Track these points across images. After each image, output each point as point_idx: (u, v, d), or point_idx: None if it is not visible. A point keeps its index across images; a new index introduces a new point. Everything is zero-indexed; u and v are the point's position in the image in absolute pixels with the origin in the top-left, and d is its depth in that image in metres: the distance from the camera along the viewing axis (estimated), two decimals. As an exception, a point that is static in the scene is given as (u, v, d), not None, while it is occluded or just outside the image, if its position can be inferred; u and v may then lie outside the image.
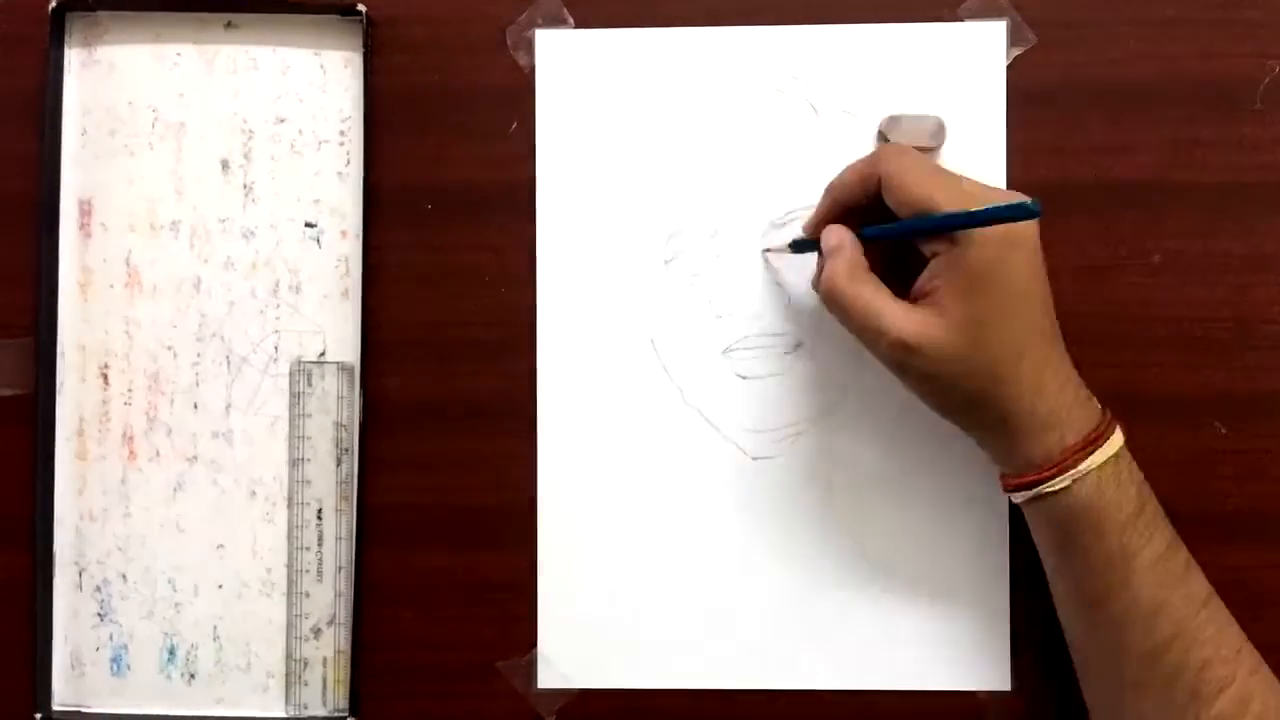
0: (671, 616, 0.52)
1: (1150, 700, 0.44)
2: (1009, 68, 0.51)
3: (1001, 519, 0.51)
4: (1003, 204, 0.41)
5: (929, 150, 0.51)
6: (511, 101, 0.52)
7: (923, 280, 0.45)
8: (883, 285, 0.46)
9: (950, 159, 0.51)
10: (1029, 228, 0.44)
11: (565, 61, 0.52)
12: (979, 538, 0.51)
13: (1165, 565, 0.44)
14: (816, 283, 0.48)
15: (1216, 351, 0.51)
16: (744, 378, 0.52)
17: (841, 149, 0.51)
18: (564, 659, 0.52)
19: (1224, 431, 0.51)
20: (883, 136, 0.51)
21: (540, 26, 0.52)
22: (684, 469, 0.52)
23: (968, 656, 0.51)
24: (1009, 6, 0.51)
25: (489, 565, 0.52)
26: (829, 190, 0.48)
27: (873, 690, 0.51)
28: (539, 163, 0.52)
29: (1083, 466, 0.44)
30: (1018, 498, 0.46)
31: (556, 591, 0.52)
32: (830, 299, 0.46)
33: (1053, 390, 0.44)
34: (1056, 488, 0.44)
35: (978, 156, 0.51)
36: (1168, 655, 0.43)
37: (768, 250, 0.51)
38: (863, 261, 0.46)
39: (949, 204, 0.44)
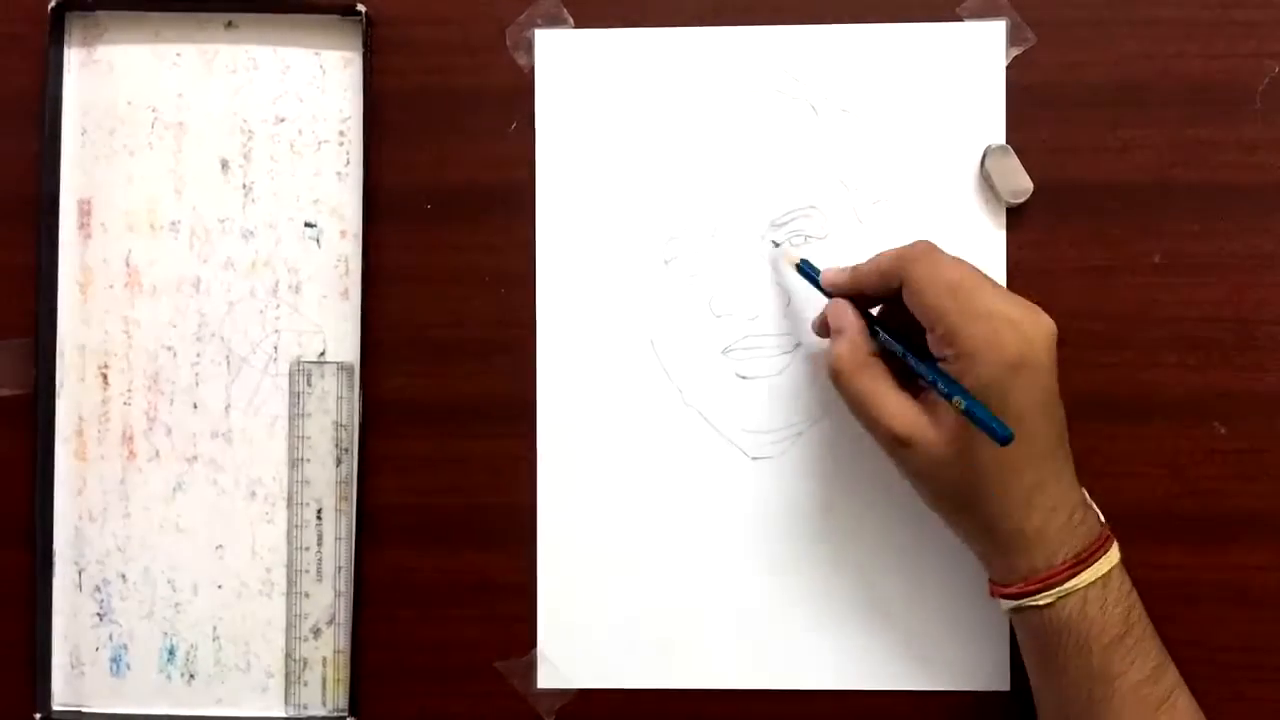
0: (671, 616, 0.52)
1: None
2: (1009, 67, 0.51)
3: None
4: (982, 417, 0.41)
5: (1009, 204, 0.50)
6: (511, 101, 0.52)
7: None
8: (885, 373, 0.46)
9: (950, 159, 0.51)
10: (1040, 353, 0.43)
11: (565, 61, 0.52)
12: (979, 538, 0.51)
13: (1146, 690, 0.44)
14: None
15: (1216, 351, 0.51)
16: (744, 378, 0.52)
17: (841, 148, 0.51)
18: (563, 659, 0.52)
19: (1223, 431, 0.51)
20: (981, 162, 0.50)
21: (540, 26, 0.52)
22: (684, 469, 0.52)
23: (967, 657, 0.51)
24: (1008, 6, 0.51)
25: (489, 565, 0.52)
26: (854, 272, 0.47)
27: (872, 690, 0.51)
28: (538, 163, 0.52)
29: (1068, 585, 0.43)
30: (1002, 606, 0.46)
31: (556, 592, 0.52)
32: (834, 381, 0.46)
33: (1043, 510, 0.44)
34: (1040, 603, 0.44)
35: (976, 156, 0.51)
36: None
37: (776, 245, 0.51)
38: (866, 345, 0.46)
39: (959, 325, 0.43)
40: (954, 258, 0.45)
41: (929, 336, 0.44)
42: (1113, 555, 0.44)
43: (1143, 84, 0.51)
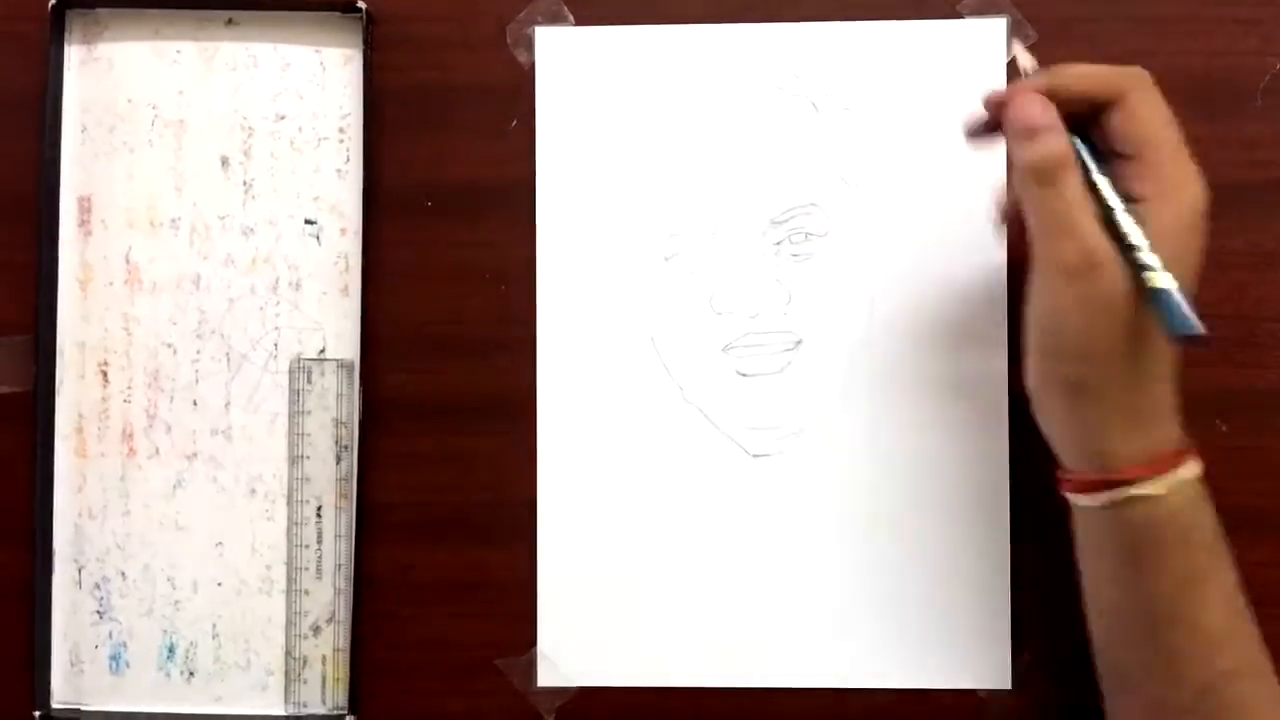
0: (671, 615, 0.52)
1: None
2: (1009, 64, 0.51)
3: (1002, 516, 0.51)
4: (1174, 310, 0.39)
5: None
6: (511, 99, 0.52)
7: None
8: (1083, 181, 0.41)
9: (950, 157, 0.51)
10: (1206, 215, 0.41)
11: (565, 59, 0.52)
12: (980, 535, 0.51)
13: (1237, 595, 0.42)
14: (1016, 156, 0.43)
15: (1217, 349, 0.51)
16: (744, 375, 0.52)
17: (842, 146, 0.51)
18: (564, 657, 0.52)
19: (1225, 429, 0.51)
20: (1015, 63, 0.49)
21: (540, 24, 0.52)
22: (684, 467, 0.52)
23: (968, 655, 0.51)
24: (1009, 3, 0.51)
25: (489, 563, 0.52)
26: (1054, 73, 0.43)
27: (873, 689, 0.51)
28: (539, 160, 0.52)
29: (1178, 475, 0.41)
30: (1089, 500, 0.42)
31: (556, 589, 0.52)
32: (1041, 176, 0.41)
33: (1166, 386, 0.42)
34: (1146, 492, 0.41)
35: (977, 153, 0.51)
36: (1228, 690, 0.41)
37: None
38: (1073, 154, 0.41)
39: (1171, 159, 0.41)
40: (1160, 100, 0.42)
41: (1126, 168, 0.41)
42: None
43: (1143, 81, 0.51)
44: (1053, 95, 0.42)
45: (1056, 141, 0.41)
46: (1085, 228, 0.40)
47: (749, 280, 0.52)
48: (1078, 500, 0.43)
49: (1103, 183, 0.41)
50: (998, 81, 0.51)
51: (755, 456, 0.52)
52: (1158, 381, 0.42)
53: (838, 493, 0.51)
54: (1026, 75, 0.46)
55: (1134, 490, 0.41)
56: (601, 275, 0.52)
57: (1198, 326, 0.38)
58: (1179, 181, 0.41)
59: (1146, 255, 0.39)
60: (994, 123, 0.44)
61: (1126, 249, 0.40)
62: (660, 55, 0.52)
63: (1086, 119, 0.42)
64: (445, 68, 0.52)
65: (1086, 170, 0.41)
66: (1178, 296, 0.39)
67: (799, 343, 0.52)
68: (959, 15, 0.51)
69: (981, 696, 0.51)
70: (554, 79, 0.52)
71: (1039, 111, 0.42)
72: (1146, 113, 0.41)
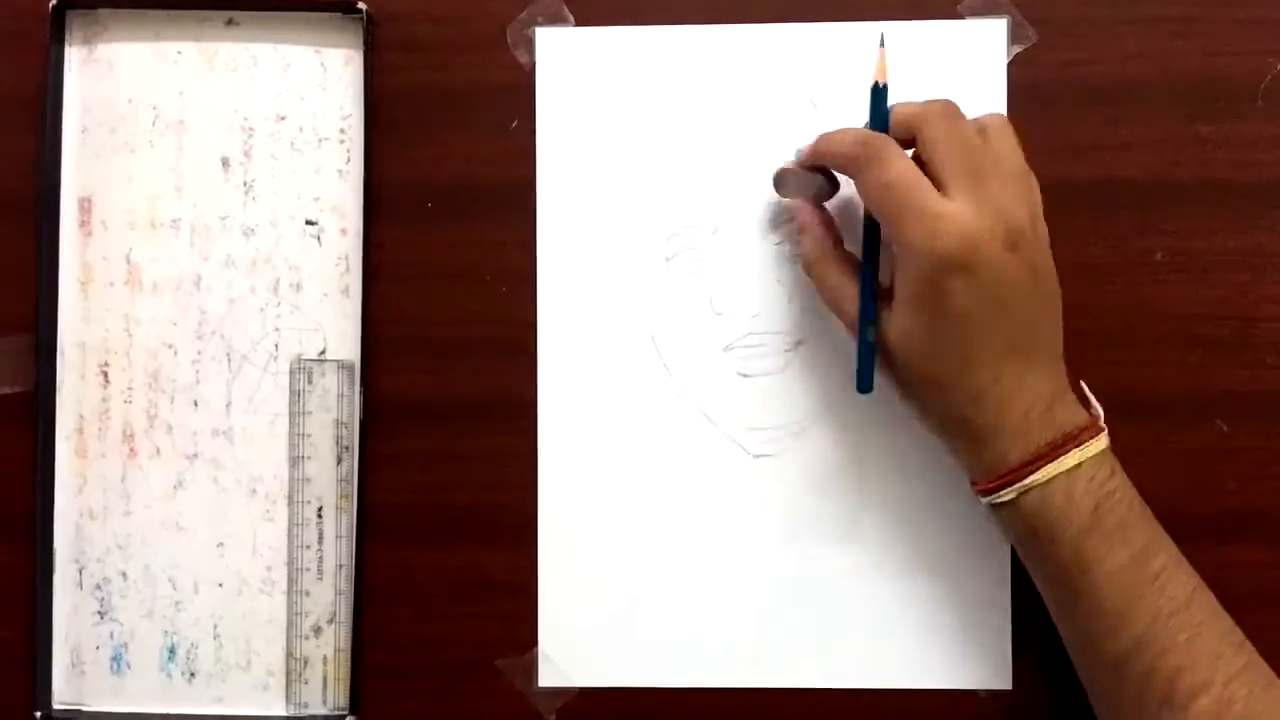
0: (672, 615, 0.52)
1: (1125, 707, 0.44)
2: (1009, 65, 0.51)
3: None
4: (861, 363, 0.47)
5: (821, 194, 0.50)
6: (512, 99, 0.52)
7: (884, 270, 0.47)
8: (851, 264, 0.47)
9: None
10: (974, 252, 0.43)
11: (566, 59, 0.52)
12: (980, 536, 0.51)
13: (1130, 574, 0.43)
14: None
15: (1218, 350, 0.51)
16: (745, 375, 0.52)
17: (842, 147, 0.51)
18: (565, 657, 0.52)
19: (1226, 430, 0.51)
20: (780, 194, 0.51)
21: (540, 24, 0.52)
22: (684, 467, 0.52)
23: (969, 655, 0.51)
24: (1009, 4, 0.51)
25: (489, 563, 0.52)
26: (821, 138, 0.48)
27: (873, 689, 0.51)
28: (539, 160, 0.52)
29: (1026, 481, 0.44)
30: (981, 503, 0.46)
31: (557, 590, 0.52)
32: (807, 269, 0.49)
33: (996, 405, 0.44)
34: (1003, 499, 0.44)
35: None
36: (1135, 661, 0.43)
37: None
38: (833, 238, 0.48)
39: (898, 221, 0.44)
40: (954, 129, 0.45)
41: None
42: (1089, 448, 0.44)
43: (1144, 82, 0.51)
44: (820, 158, 0.48)
45: (808, 243, 0.48)
46: (849, 303, 0.47)
47: (749, 280, 0.52)
48: (985, 501, 0.46)
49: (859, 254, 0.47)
50: (997, 82, 0.51)
51: (756, 457, 0.52)
52: (970, 404, 0.44)
53: (838, 493, 0.51)
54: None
55: (990, 498, 0.45)
56: (602, 275, 0.52)
57: (864, 381, 0.47)
58: (919, 238, 0.43)
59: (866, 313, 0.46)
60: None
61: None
62: (661, 55, 0.52)
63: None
64: (446, 68, 0.52)
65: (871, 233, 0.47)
66: (865, 354, 0.46)
67: (799, 343, 0.52)
68: (959, 16, 0.51)
69: (982, 696, 0.51)
70: (554, 79, 0.52)
71: (803, 214, 0.49)
72: (943, 139, 0.45)
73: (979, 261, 0.43)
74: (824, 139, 0.48)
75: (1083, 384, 0.47)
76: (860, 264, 0.47)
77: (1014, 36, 0.51)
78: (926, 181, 0.44)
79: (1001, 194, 0.44)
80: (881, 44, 0.47)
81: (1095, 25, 0.51)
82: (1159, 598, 0.43)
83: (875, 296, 0.46)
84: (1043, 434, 0.44)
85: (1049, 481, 0.44)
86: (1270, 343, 0.51)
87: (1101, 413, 0.46)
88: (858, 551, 0.51)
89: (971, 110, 0.51)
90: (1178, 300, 0.51)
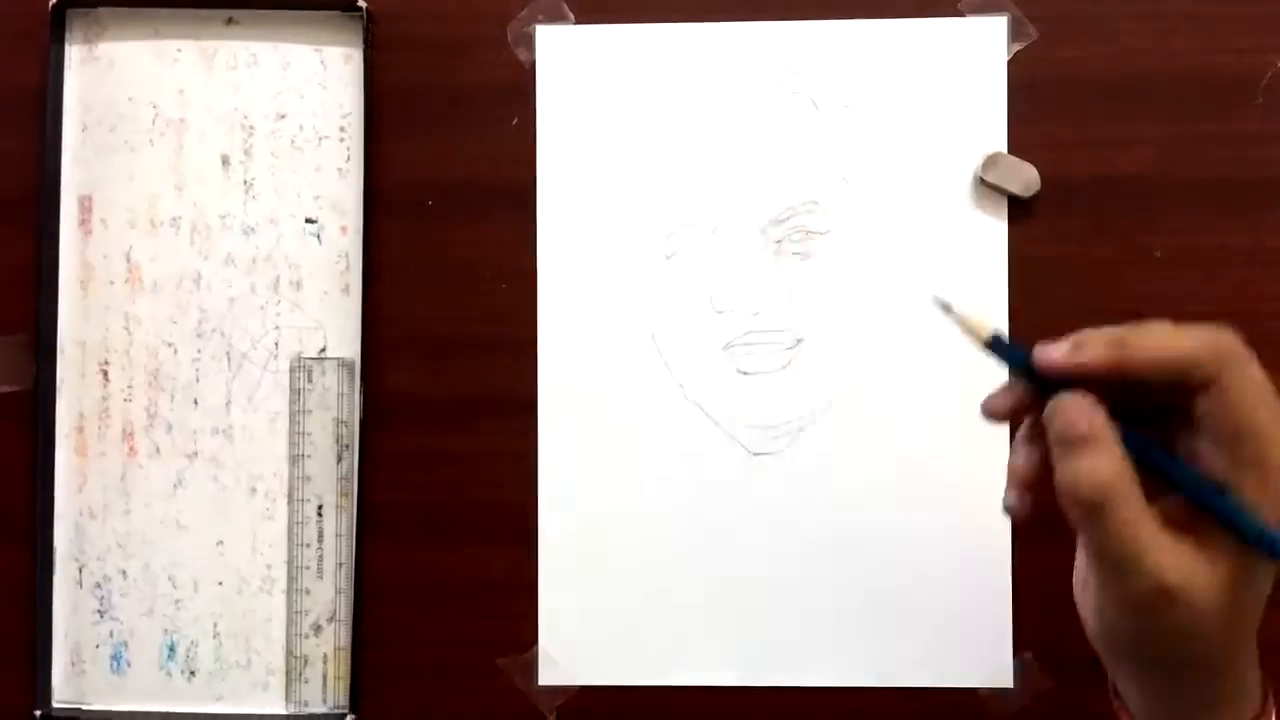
0: (672, 613, 0.51)
1: None
2: (1010, 62, 0.51)
3: (1004, 516, 0.51)
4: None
5: (1017, 198, 0.49)
6: (512, 97, 0.52)
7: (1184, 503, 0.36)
8: (1146, 504, 0.35)
9: (950, 155, 0.51)
10: None
11: (566, 57, 0.52)
12: (981, 534, 0.51)
13: None
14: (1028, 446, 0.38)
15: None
16: (745, 373, 0.52)
17: (842, 144, 0.51)
18: (565, 656, 0.52)
19: (1226, 427, 0.51)
20: (977, 177, 0.50)
21: (541, 22, 0.52)
22: (685, 465, 0.52)
23: (969, 654, 0.51)
24: (1009, 2, 0.51)
25: (490, 562, 0.52)
26: (1123, 345, 0.36)
27: (873, 687, 0.51)
28: (540, 158, 0.52)
29: None
30: None
31: (557, 588, 0.52)
32: (1087, 505, 0.35)
33: (1250, 670, 0.38)
34: None
35: (978, 151, 0.51)
36: None
37: (947, 308, 0.39)
38: (1128, 464, 0.35)
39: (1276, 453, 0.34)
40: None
41: (1221, 455, 0.35)
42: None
43: (1144, 79, 0.51)
44: (1121, 369, 0.36)
45: (1102, 461, 0.35)
46: (1151, 558, 0.34)
47: (750, 278, 0.52)
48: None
49: (1183, 472, 0.36)
50: (998, 79, 0.51)
51: (756, 455, 0.52)
52: (1244, 664, 0.38)
53: (838, 491, 0.51)
54: (950, 312, 0.39)
55: None
56: (602, 273, 0.52)
57: None
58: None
59: (1255, 529, 0.34)
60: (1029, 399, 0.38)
61: (1230, 528, 0.35)
62: (661, 53, 0.52)
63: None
64: (446, 66, 0.52)
65: (1155, 455, 0.36)
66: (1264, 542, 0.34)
67: (799, 341, 0.52)
68: (960, 13, 0.51)
69: (982, 695, 0.51)
70: (555, 77, 0.52)
71: (1082, 420, 0.35)
72: (1247, 393, 0.35)
73: None
74: (1124, 341, 0.36)
75: None
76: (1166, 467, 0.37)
77: (1014, 34, 0.51)
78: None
79: None
80: (947, 310, 0.39)
81: (1095, 22, 0.51)
82: None
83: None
84: (1256, 704, 0.38)
85: None
86: (1271, 340, 0.50)
87: None
88: (857, 550, 0.51)
89: (972, 107, 0.51)
90: (1178, 298, 0.51)
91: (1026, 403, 0.38)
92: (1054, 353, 0.37)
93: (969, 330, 0.39)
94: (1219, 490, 0.35)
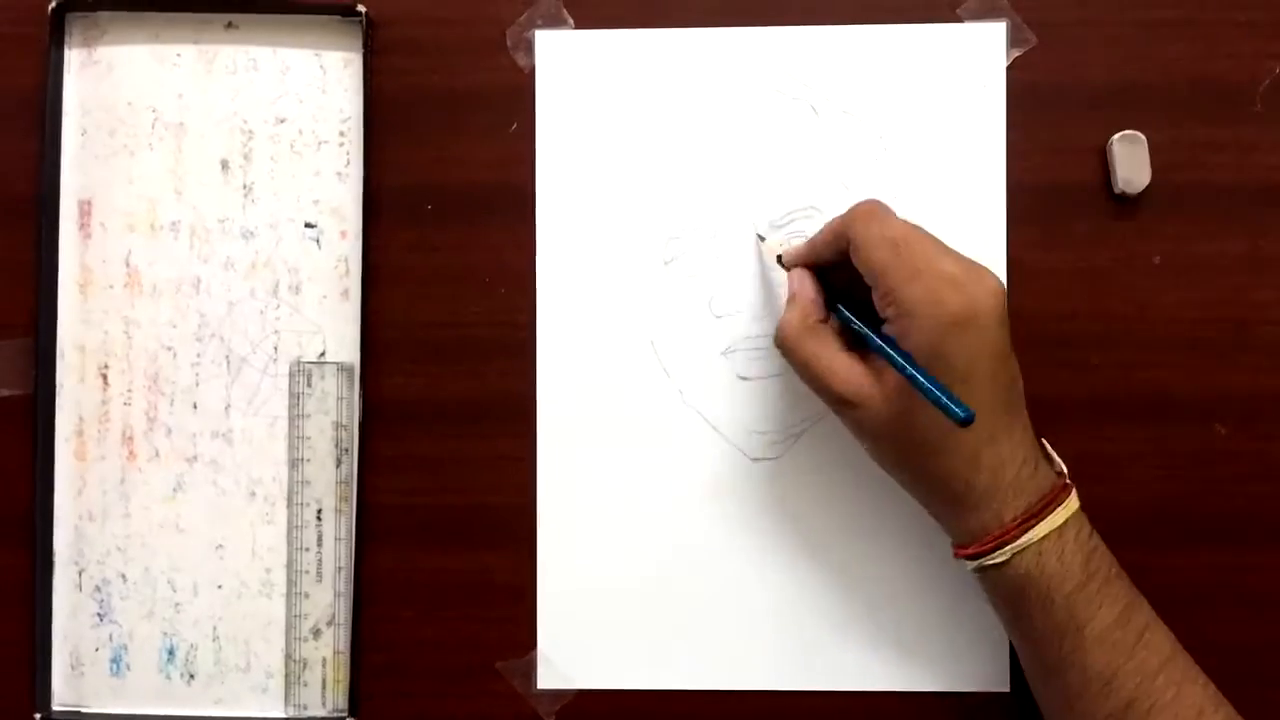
0: (671, 617, 0.52)
1: None
2: (1009, 68, 0.51)
3: None
4: (942, 395, 0.41)
5: (1120, 193, 0.50)
6: (511, 102, 0.52)
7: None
8: (831, 338, 0.46)
9: (950, 160, 0.51)
10: (984, 310, 0.43)
11: (565, 62, 0.52)
12: (978, 538, 0.51)
13: (1117, 634, 0.44)
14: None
15: (1216, 352, 0.51)
16: (744, 378, 0.52)
17: (841, 149, 0.51)
18: (564, 659, 0.52)
19: (1224, 432, 0.51)
20: (1110, 147, 0.50)
21: (540, 27, 0.52)
22: (684, 470, 0.52)
23: (967, 658, 0.51)
24: (1008, 7, 0.51)
25: (489, 566, 0.52)
26: (809, 242, 0.48)
27: (871, 692, 0.51)
28: (539, 163, 0.52)
29: (1021, 541, 0.43)
30: (968, 566, 0.46)
31: (556, 592, 0.52)
32: (781, 348, 0.47)
33: (990, 468, 0.44)
34: (995, 560, 0.44)
35: (977, 157, 0.51)
36: None
37: (762, 239, 0.51)
38: (816, 312, 0.46)
39: (899, 283, 0.43)
40: (901, 218, 0.45)
41: (873, 297, 0.45)
42: (1069, 504, 0.44)
43: (1142, 85, 0.51)
44: (815, 260, 0.47)
45: (787, 315, 0.47)
46: (832, 372, 0.45)
47: (748, 283, 0.52)
48: (963, 564, 0.46)
49: (854, 319, 0.46)
50: (997, 85, 0.51)
51: (755, 460, 0.52)
52: (972, 466, 0.44)
53: (837, 496, 0.51)
54: (772, 253, 0.50)
55: (982, 560, 0.44)
56: (601, 278, 0.52)
57: (965, 409, 0.40)
58: (921, 299, 0.43)
59: (908, 367, 0.42)
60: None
61: (897, 366, 0.43)
62: (660, 58, 0.52)
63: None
64: (445, 71, 0.52)
65: (843, 315, 0.46)
66: (938, 392, 0.41)
67: (798, 346, 0.52)
68: (958, 19, 0.52)
69: (980, 699, 0.51)
70: (554, 82, 0.52)
71: (794, 285, 0.48)
72: (867, 242, 0.44)
73: (979, 320, 0.43)
74: (812, 238, 0.48)
75: (1044, 441, 0.46)
76: (851, 327, 0.46)
77: (1013, 40, 0.51)
78: (931, 238, 0.44)
79: (968, 259, 0.44)
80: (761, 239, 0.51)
81: (1094, 28, 0.51)
82: (1145, 656, 0.44)
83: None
84: (1031, 493, 0.44)
85: (1042, 539, 0.43)
86: (1268, 345, 0.51)
87: (1065, 469, 0.46)
88: (855, 555, 0.51)
89: (971, 113, 0.51)
90: (1176, 303, 0.51)
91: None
92: (789, 251, 0.49)
93: (766, 252, 0.51)
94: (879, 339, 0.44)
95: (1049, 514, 0.44)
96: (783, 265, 0.49)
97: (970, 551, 0.45)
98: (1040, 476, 0.44)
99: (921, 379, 0.41)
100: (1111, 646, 0.43)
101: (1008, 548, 0.43)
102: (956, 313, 0.42)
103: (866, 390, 0.44)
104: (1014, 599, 0.45)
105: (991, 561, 0.44)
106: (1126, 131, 0.50)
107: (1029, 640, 0.45)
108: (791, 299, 0.47)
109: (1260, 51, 0.51)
